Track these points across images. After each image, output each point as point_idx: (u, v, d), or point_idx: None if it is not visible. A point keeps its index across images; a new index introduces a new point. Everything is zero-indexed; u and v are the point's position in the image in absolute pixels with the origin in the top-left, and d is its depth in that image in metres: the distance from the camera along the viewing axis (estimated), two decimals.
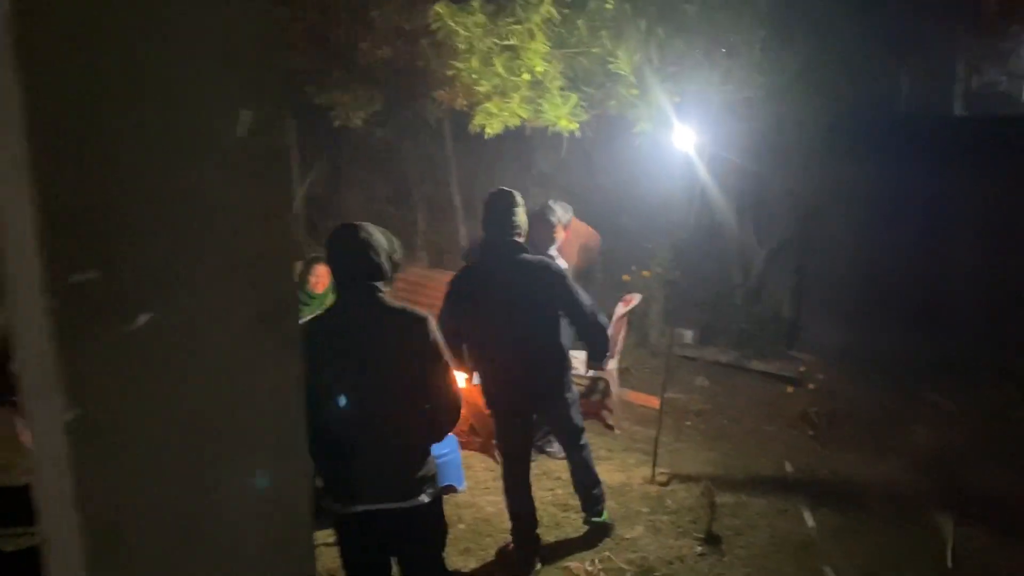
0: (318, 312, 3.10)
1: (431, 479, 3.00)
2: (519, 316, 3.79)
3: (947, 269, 6.68)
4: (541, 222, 4.50)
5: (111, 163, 0.98)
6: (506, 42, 5.07)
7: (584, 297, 3.81)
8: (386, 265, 2.87)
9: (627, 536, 4.40)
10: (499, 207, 3.77)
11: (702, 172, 5.93)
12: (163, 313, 1.03)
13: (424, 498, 2.94)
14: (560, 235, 4.65)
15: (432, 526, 3.07)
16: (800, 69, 5.17)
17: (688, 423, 5.90)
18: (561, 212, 4.64)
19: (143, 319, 1.04)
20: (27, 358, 1.09)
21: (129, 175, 1.01)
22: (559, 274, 3.81)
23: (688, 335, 7.03)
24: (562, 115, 5.05)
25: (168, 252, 1.03)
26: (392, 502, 2.91)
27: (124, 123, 1.00)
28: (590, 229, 5.51)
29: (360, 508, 2.91)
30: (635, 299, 5.87)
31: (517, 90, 5.06)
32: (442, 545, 3.19)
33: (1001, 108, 10.92)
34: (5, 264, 1.09)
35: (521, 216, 3.77)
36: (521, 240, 3.78)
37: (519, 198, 3.79)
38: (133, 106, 0.99)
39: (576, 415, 4.18)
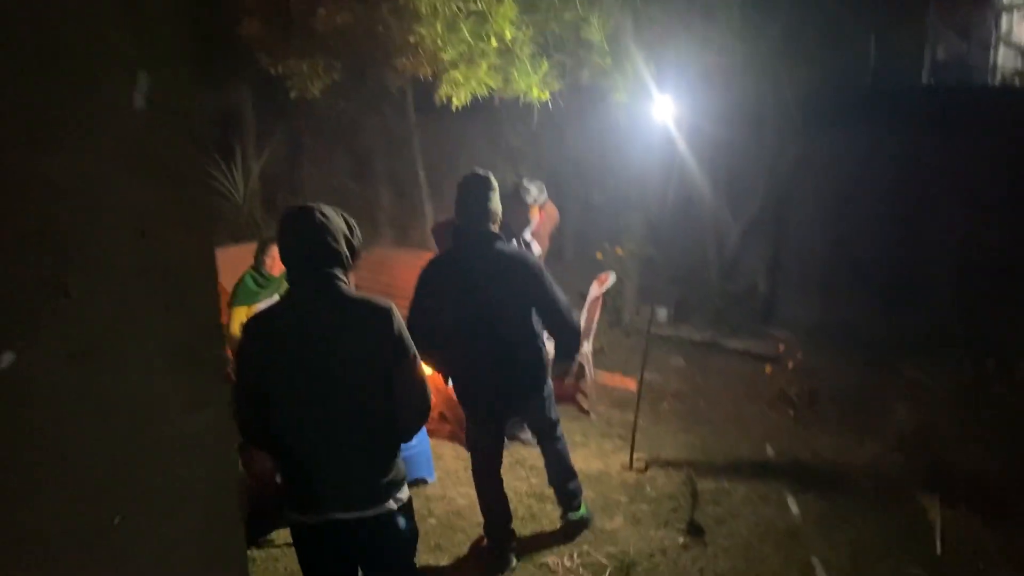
0: (270, 303, 2.82)
1: (400, 483, 2.75)
2: (495, 311, 3.53)
3: (923, 242, 6.57)
4: (515, 203, 4.23)
5: None
6: (472, 6, 4.76)
7: (560, 296, 3.56)
8: (345, 251, 2.60)
9: (606, 528, 4.20)
10: (472, 192, 3.49)
11: (678, 144, 5.71)
12: (37, 351, 0.76)
13: (392, 504, 2.70)
14: (535, 217, 4.38)
15: (400, 534, 2.82)
16: (780, 37, 4.95)
17: (665, 405, 5.72)
18: (536, 192, 4.36)
19: (6, 360, 0.77)
20: None
21: None
22: (536, 268, 3.54)
23: (662, 313, 6.84)
24: (533, 84, 4.77)
25: (41, 269, 0.76)
26: (356, 511, 2.66)
27: None
28: (553, 208, 5.24)
29: (321, 518, 2.66)
30: (609, 278, 5.64)
31: (485, 57, 4.76)
32: (412, 552, 2.95)
33: (967, 79, 10.89)
34: None
35: (496, 202, 3.50)
36: (496, 228, 3.52)
37: (494, 182, 3.51)
38: None
39: (551, 409, 3.97)
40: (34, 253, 0.75)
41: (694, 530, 4.14)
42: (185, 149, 0.82)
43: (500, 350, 3.59)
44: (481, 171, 3.53)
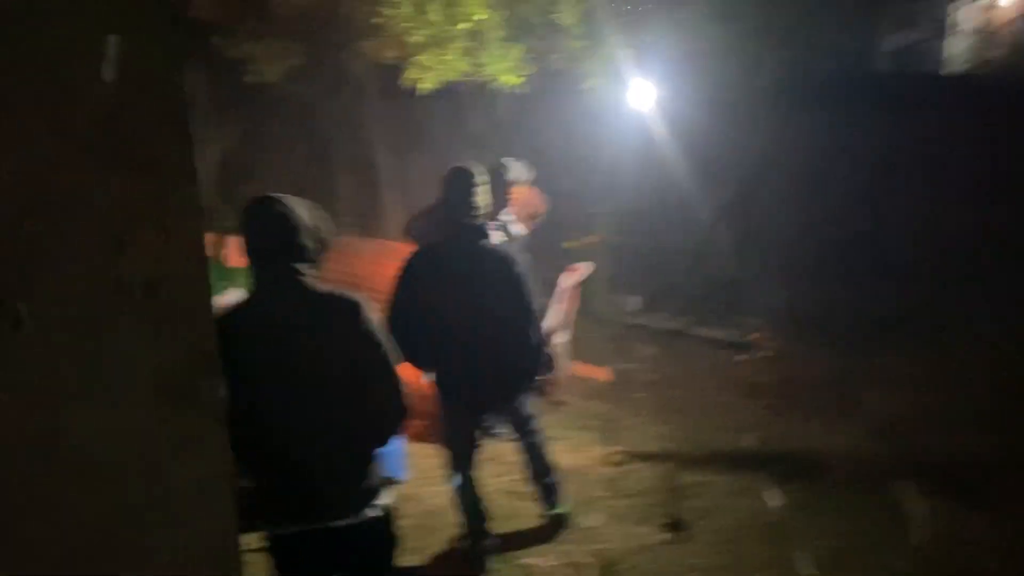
0: (231, 296, 2.65)
1: (379, 489, 2.60)
2: (483, 308, 3.38)
3: (890, 228, 6.58)
4: (494, 182, 4.07)
5: None
6: None
7: (535, 312, 3.44)
8: (310, 244, 2.42)
9: (587, 525, 4.10)
10: (459, 186, 3.35)
11: (648, 131, 5.61)
12: None
13: (372, 512, 2.55)
14: (517, 194, 4.22)
15: (381, 543, 2.68)
16: (757, 21, 4.86)
17: (639, 395, 5.63)
18: (517, 171, 4.20)
19: None
20: None
21: None
22: (520, 273, 3.38)
23: (634, 302, 6.74)
24: (504, 69, 4.60)
25: None
26: (333, 520, 2.51)
27: None
28: (536, 195, 5.07)
29: (295, 529, 2.50)
30: (583, 269, 5.52)
31: (454, 40, 4.58)
32: (393, 560, 2.81)
33: (923, 66, 11.06)
34: None
35: (483, 196, 3.37)
36: (482, 223, 3.38)
37: (481, 175, 3.38)
38: None
39: (527, 402, 3.85)
40: None
41: (676, 525, 4.06)
42: (172, 136, 0.66)
43: (487, 349, 3.45)
44: (469, 163, 3.41)
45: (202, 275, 0.70)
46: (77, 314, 0.63)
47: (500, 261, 3.37)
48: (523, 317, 3.41)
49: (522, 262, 3.41)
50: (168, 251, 0.66)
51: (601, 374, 5.79)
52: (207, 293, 0.71)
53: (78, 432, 0.63)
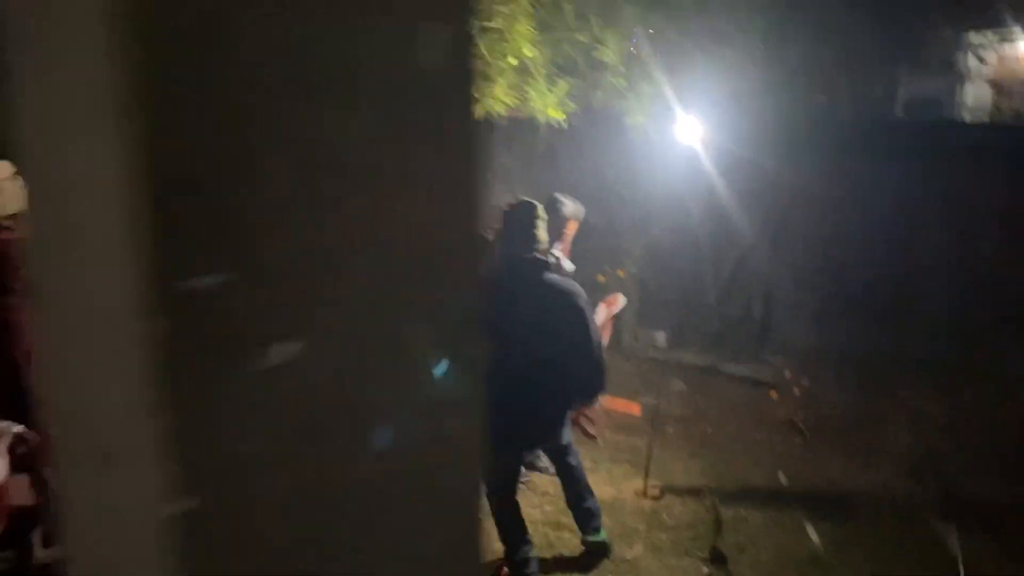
0: None
1: None
2: (544, 342, 3.43)
3: (916, 268, 6.65)
4: (549, 216, 4.15)
5: (233, 115, 0.60)
6: (488, 23, 4.70)
7: (598, 338, 3.52)
8: None
9: (627, 557, 4.11)
10: (521, 220, 3.44)
11: (683, 167, 5.71)
12: (314, 339, 0.66)
13: None
14: (570, 231, 4.30)
15: None
16: (799, 64, 4.98)
17: (670, 430, 5.65)
18: (572, 207, 4.28)
19: (288, 350, 0.66)
20: (81, 419, 0.70)
21: (261, 132, 0.63)
22: (583, 304, 3.46)
23: (660, 337, 6.79)
24: (550, 104, 4.71)
25: (325, 245, 0.66)
26: None
27: (252, 49, 0.61)
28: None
29: None
30: (619, 301, 5.57)
31: (502, 75, 4.69)
32: None
33: (942, 113, 11.26)
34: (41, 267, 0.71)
35: (543, 231, 3.45)
36: (544, 257, 3.45)
37: (542, 211, 3.46)
38: (267, 24, 0.62)
39: (567, 431, 3.90)
40: (325, 229, 0.66)
41: (717, 559, 4.06)
42: (457, 110, 0.73)
43: (545, 383, 3.50)
44: (528, 199, 3.50)
45: (474, 247, 0.77)
46: (380, 273, 0.70)
47: (564, 294, 3.42)
48: (588, 347, 3.45)
49: (583, 294, 3.47)
50: (451, 225, 0.73)
51: (631, 408, 5.81)
52: (476, 264, 0.78)
53: (375, 394, 0.69)
